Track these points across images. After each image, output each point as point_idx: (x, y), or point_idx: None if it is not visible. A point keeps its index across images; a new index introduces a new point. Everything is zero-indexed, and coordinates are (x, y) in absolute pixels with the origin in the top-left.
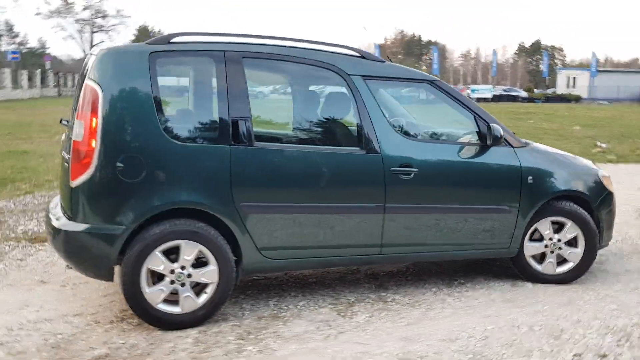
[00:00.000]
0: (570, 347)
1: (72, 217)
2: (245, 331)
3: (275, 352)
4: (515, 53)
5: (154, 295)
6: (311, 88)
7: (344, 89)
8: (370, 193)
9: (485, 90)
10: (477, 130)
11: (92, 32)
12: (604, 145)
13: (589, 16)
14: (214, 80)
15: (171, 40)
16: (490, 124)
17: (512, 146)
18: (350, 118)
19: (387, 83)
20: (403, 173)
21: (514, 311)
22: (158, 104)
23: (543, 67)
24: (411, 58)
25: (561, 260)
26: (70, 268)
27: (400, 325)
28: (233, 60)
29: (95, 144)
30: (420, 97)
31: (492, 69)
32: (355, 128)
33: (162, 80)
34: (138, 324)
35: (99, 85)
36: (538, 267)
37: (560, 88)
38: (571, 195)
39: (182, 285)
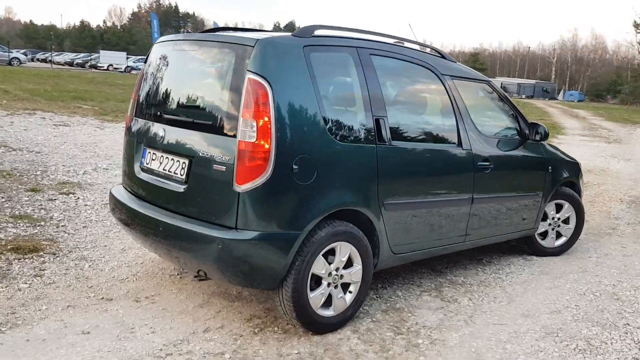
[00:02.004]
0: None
1: (232, 225)
2: (392, 325)
3: (446, 342)
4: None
5: (316, 300)
6: (418, 87)
7: (441, 89)
8: (466, 186)
9: None
10: (518, 127)
11: None
12: None
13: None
14: (356, 78)
15: (313, 34)
16: (535, 122)
17: (537, 141)
18: (448, 116)
19: (462, 83)
20: (484, 168)
21: (561, 282)
22: (320, 101)
23: None
24: (169, 29)
25: (557, 236)
26: (203, 279)
27: (502, 304)
28: (365, 57)
29: (270, 145)
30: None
31: None
32: (452, 126)
33: (317, 75)
34: (284, 331)
35: (267, 80)
36: (542, 242)
37: None
38: (568, 181)
39: (335, 287)
